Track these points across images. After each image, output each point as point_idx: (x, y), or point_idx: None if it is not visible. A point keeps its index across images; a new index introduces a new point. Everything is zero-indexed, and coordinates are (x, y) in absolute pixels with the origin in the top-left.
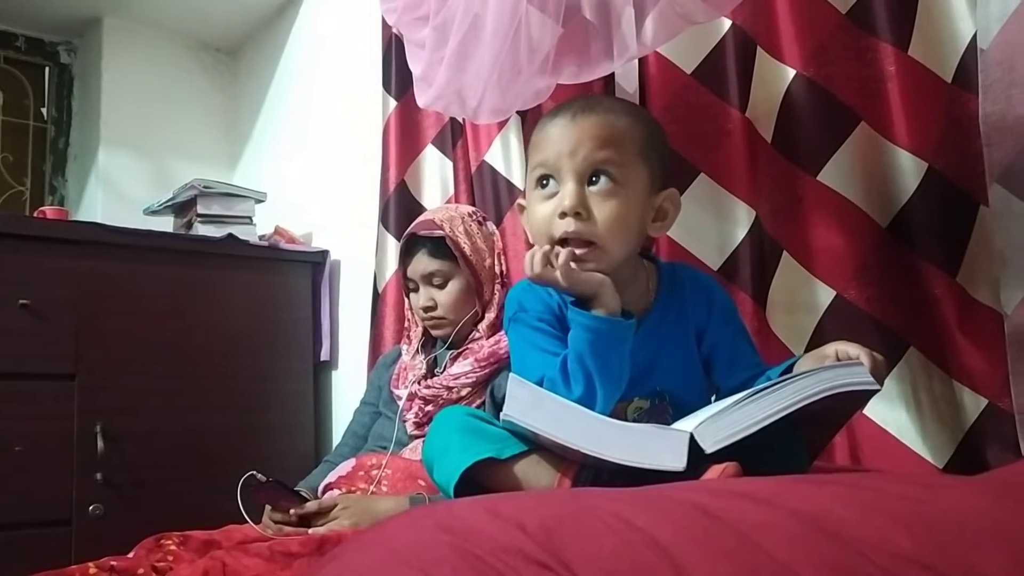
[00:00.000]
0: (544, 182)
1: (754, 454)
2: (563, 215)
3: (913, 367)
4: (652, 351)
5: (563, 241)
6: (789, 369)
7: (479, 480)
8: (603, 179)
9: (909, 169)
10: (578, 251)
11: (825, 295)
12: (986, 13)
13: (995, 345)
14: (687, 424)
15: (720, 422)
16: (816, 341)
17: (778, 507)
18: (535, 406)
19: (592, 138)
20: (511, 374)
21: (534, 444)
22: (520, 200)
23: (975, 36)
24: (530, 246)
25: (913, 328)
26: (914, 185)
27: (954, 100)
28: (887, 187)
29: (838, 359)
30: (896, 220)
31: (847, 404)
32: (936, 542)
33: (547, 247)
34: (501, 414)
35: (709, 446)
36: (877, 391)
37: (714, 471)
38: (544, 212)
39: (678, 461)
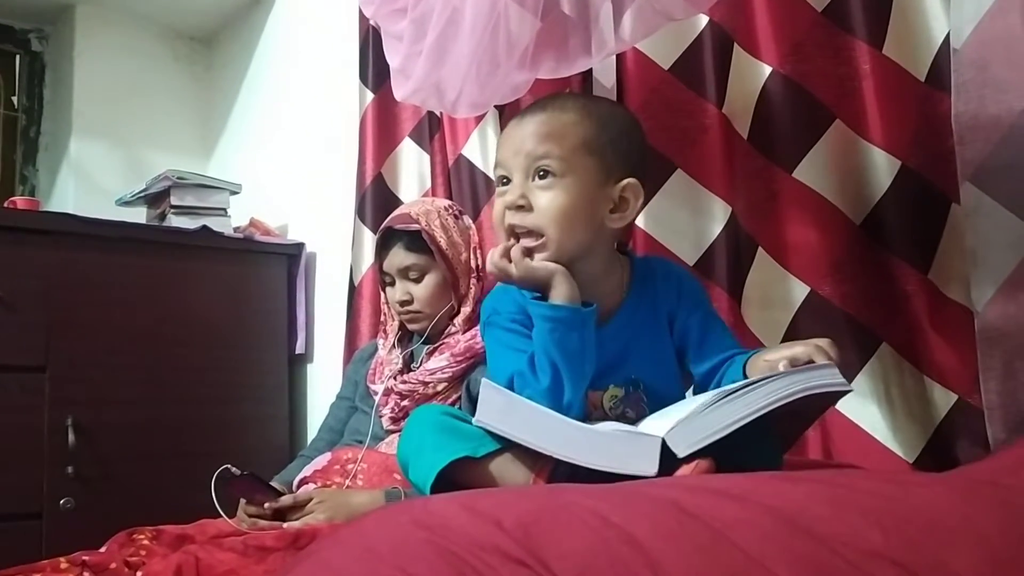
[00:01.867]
0: (503, 180)
1: (727, 450)
2: (508, 208)
3: (885, 363)
4: (625, 341)
5: (518, 236)
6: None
7: (454, 479)
8: (543, 172)
9: (883, 167)
10: (529, 243)
11: (799, 291)
12: (959, 13)
13: (966, 342)
14: (659, 425)
15: (692, 425)
16: (790, 337)
17: (752, 504)
18: (508, 411)
19: (532, 135)
20: (483, 379)
21: (508, 443)
22: None
23: (948, 35)
24: None
25: (885, 324)
26: (887, 183)
27: (927, 99)
28: (861, 185)
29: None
30: (870, 217)
31: (818, 402)
32: (907, 539)
33: (506, 243)
34: (474, 419)
35: (681, 451)
36: (849, 391)
37: (686, 469)
38: (498, 208)
39: (650, 467)
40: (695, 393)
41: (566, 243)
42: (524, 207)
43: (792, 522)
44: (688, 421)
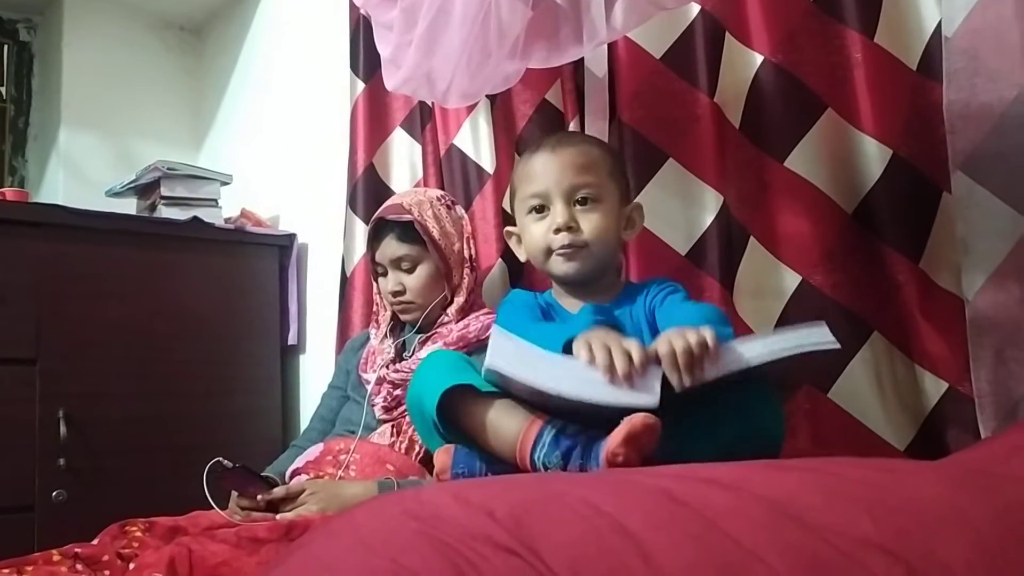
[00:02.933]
0: (538, 208)
1: (734, 415)
2: (557, 231)
3: (877, 352)
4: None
5: (556, 251)
6: None
7: (456, 416)
8: (585, 198)
9: (874, 156)
10: (569, 250)
11: (791, 280)
12: (951, 2)
13: (956, 330)
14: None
15: None
16: (782, 326)
17: (744, 493)
18: (517, 356)
19: (573, 165)
20: (494, 325)
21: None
22: (508, 228)
23: (940, 24)
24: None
25: (877, 313)
26: (879, 172)
27: (919, 88)
28: (853, 174)
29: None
30: (861, 206)
31: (803, 374)
32: (897, 527)
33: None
34: (485, 366)
35: (677, 384)
36: (836, 349)
37: (625, 423)
38: (539, 231)
39: (652, 399)
40: None
41: (603, 257)
42: (574, 228)
43: (783, 511)
44: None
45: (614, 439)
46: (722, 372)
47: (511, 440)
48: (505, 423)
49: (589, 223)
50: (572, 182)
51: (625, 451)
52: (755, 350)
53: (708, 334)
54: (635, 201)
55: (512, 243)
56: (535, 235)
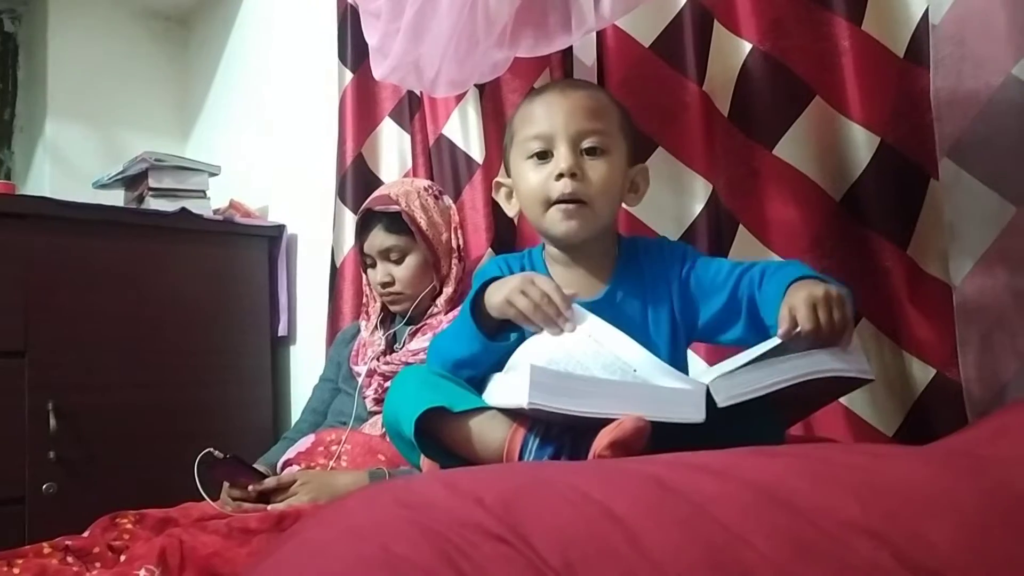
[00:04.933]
0: (539, 152)
1: (731, 425)
2: (559, 177)
3: (864, 338)
4: (611, 317)
5: (556, 202)
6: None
7: (436, 432)
8: (594, 145)
9: (862, 143)
10: (571, 206)
11: None
12: None
13: (944, 316)
14: (700, 379)
15: (735, 379)
16: None
17: (732, 478)
18: (560, 387)
19: (583, 108)
20: (530, 362)
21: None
22: (498, 179)
23: (927, 11)
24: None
25: (865, 299)
26: (867, 159)
27: (906, 74)
28: (841, 160)
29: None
30: (849, 193)
31: (833, 389)
32: (883, 510)
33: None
34: (528, 402)
35: (722, 400)
36: (870, 381)
37: (610, 427)
38: (538, 178)
39: (698, 414)
40: (721, 322)
41: (604, 216)
42: (577, 176)
43: (771, 495)
44: (732, 375)
45: (599, 443)
46: (774, 387)
47: (497, 449)
48: (489, 434)
49: (596, 173)
50: (580, 127)
51: (611, 454)
52: (800, 368)
53: (834, 291)
54: (641, 164)
55: (500, 197)
56: (532, 183)
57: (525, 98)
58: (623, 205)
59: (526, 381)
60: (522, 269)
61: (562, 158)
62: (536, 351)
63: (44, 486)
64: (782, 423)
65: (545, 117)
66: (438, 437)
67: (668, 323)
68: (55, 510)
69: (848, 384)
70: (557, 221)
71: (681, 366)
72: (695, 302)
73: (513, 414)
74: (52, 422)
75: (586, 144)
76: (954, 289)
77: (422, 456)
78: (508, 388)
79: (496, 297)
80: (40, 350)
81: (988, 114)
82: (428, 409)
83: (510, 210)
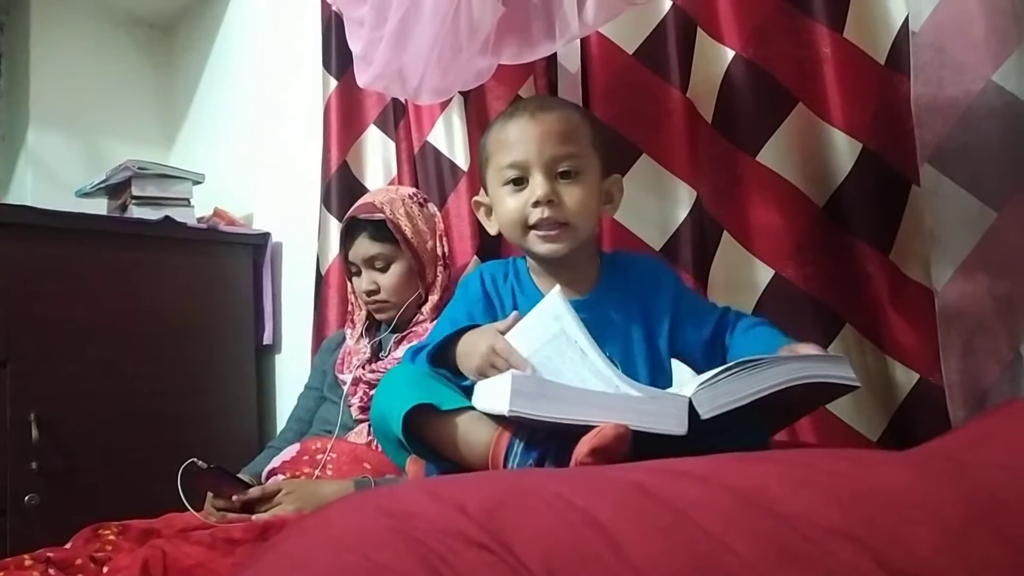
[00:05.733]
0: (516, 179)
1: (717, 433)
2: (536, 204)
3: (848, 343)
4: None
5: (535, 226)
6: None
7: (422, 432)
8: (568, 169)
9: (844, 149)
10: (552, 231)
11: (764, 274)
12: None
13: (926, 321)
14: (682, 390)
15: (718, 390)
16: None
17: (714, 484)
18: (541, 395)
19: (555, 132)
20: (512, 371)
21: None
22: (477, 198)
23: (907, 19)
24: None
25: (848, 305)
26: (849, 165)
27: (887, 82)
28: (823, 167)
29: None
30: (832, 200)
31: (818, 397)
32: (865, 515)
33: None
34: (507, 410)
35: (704, 412)
36: (856, 387)
37: (591, 434)
38: (516, 203)
39: (679, 426)
40: (702, 353)
41: (584, 233)
42: (554, 202)
43: (752, 501)
44: (714, 386)
45: (580, 450)
46: (756, 395)
47: (483, 451)
48: (474, 436)
49: (572, 198)
50: (554, 152)
51: (593, 461)
52: (783, 375)
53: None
54: (614, 175)
55: (480, 215)
56: (511, 208)
57: (497, 120)
58: (601, 216)
59: (507, 389)
60: (506, 277)
61: (538, 186)
62: (522, 341)
63: (26, 497)
64: (767, 429)
65: (518, 144)
66: (424, 435)
67: (647, 334)
68: (37, 521)
69: (833, 391)
70: (538, 243)
71: (662, 375)
72: (682, 325)
73: (499, 417)
74: (34, 432)
75: (560, 168)
76: (936, 294)
77: (408, 460)
78: (491, 394)
79: (467, 367)
80: (22, 360)
81: (968, 120)
82: (416, 406)
83: (491, 228)
